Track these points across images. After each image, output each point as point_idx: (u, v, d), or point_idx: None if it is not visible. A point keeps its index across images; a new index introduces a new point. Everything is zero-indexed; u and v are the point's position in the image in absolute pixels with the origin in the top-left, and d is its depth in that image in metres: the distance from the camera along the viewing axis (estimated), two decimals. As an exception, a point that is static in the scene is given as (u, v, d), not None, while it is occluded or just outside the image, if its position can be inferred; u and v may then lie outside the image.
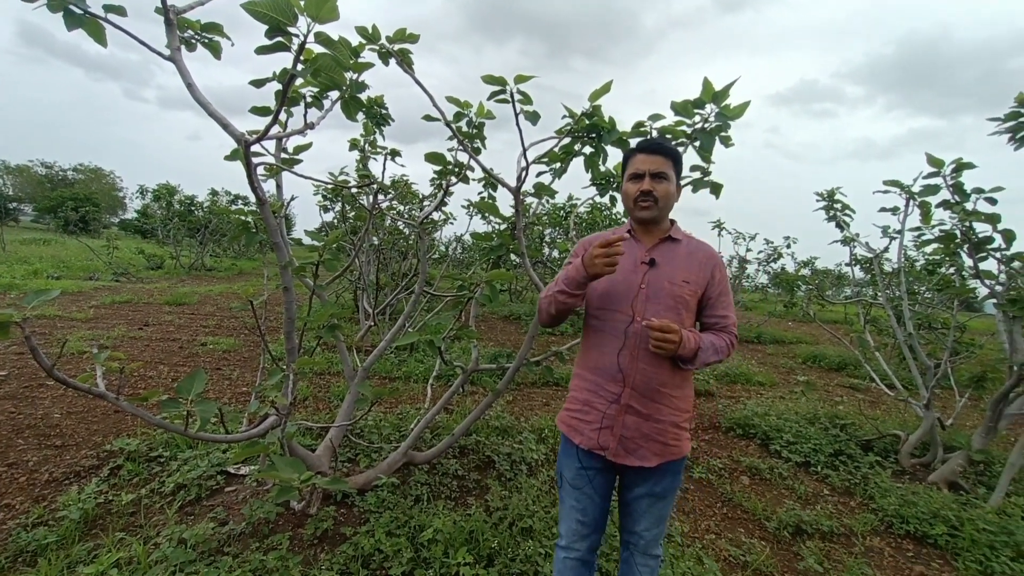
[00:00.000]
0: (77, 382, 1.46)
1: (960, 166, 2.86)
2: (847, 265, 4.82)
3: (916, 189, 3.21)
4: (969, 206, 2.87)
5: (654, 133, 2.04)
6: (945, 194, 2.96)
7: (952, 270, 4.15)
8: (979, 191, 2.82)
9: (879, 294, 4.28)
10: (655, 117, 2.02)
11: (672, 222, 1.50)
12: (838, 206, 4.09)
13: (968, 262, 2.99)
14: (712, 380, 5.32)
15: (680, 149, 2.05)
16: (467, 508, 2.36)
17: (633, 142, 2.15)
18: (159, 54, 1.59)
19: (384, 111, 2.83)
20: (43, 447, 2.69)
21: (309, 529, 2.07)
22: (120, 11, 1.54)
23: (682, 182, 2.08)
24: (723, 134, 1.99)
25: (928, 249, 3.90)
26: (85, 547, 1.90)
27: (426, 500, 2.39)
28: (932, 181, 3.00)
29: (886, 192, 3.50)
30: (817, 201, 4.15)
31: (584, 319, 1.51)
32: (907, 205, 3.48)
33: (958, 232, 2.96)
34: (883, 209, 3.62)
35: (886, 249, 4.05)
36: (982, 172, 3.05)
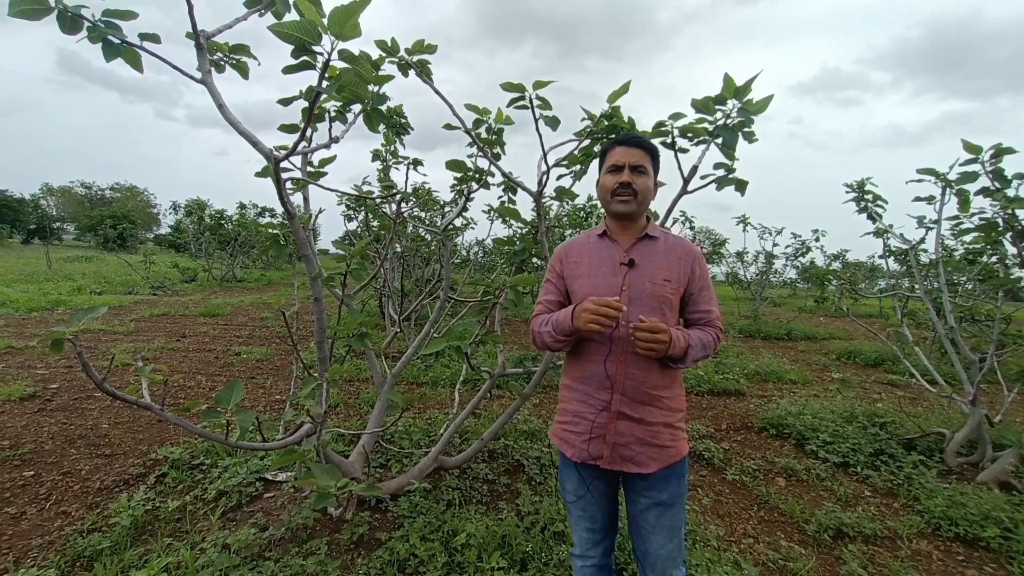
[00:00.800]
0: (125, 395, 1.53)
1: (999, 151, 2.75)
2: (880, 258, 4.66)
3: (952, 177, 3.09)
4: (1011, 192, 2.74)
5: (676, 132, 2.02)
6: (984, 181, 2.84)
7: (995, 259, 3.97)
8: (1021, 176, 2.70)
9: (916, 286, 4.13)
10: (676, 116, 2.00)
11: (648, 219, 1.45)
12: (869, 197, 3.95)
13: (1012, 250, 2.86)
14: (743, 379, 5.21)
15: (703, 147, 2.04)
16: (499, 512, 2.37)
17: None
18: (191, 77, 1.66)
19: (403, 120, 2.88)
20: (94, 456, 2.82)
21: (346, 534, 2.12)
22: (154, 39, 1.61)
23: (706, 180, 2.07)
24: (746, 130, 1.97)
25: (967, 238, 3.74)
26: (136, 552, 1.98)
27: (458, 504, 2.41)
28: (969, 168, 2.88)
29: (920, 181, 3.37)
30: (847, 192, 4.03)
31: None
32: (943, 193, 3.35)
33: (1000, 220, 2.83)
34: (918, 199, 3.49)
35: (922, 240, 3.90)
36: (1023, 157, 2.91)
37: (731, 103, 1.91)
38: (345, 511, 2.26)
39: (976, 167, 2.85)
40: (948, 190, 3.29)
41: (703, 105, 1.94)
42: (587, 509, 1.43)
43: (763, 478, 3.01)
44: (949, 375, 4.46)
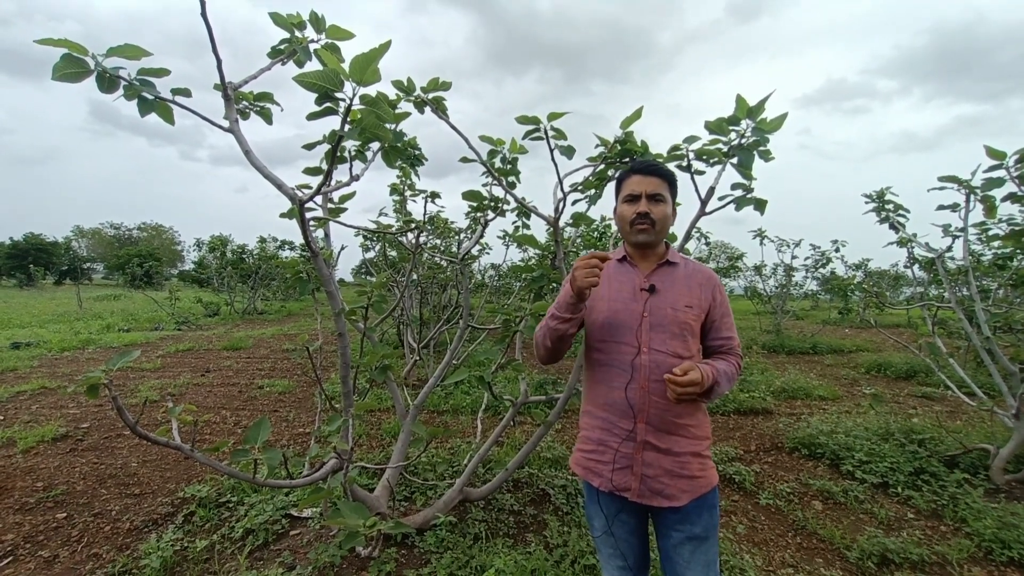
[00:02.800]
0: (157, 436, 1.56)
1: (1024, 156, 2.69)
2: (905, 266, 4.55)
3: (976, 183, 3.03)
4: (1040, 197, 2.68)
5: (691, 156, 2.03)
6: (1011, 186, 2.78)
7: (1026, 264, 3.85)
8: (1050, 181, 2.63)
9: (945, 293, 4.01)
10: (690, 139, 2.01)
11: (667, 244, 1.44)
12: (890, 207, 3.90)
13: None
14: (769, 397, 5.07)
15: (719, 167, 2.05)
16: (526, 545, 2.32)
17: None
18: (219, 127, 1.73)
19: (418, 151, 2.94)
20: (123, 496, 2.85)
21: (372, 572, 2.09)
22: (186, 93, 1.68)
23: (724, 201, 2.06)
24: (762, 149, 1.97)
25: (996, 243, 3.65)
26: (166, 595, 1.98)
27: (485, 538, 2.36)
28: (994, 174, 2.83)
29: (942, 188, 3.31)
30: (866, 203, 3.97)
31: (585, 352, 1.45)
32: (968, 200, 3.28)
33: (1030, 226, 2.76)
34: (941, 207, 3.43)
35: (949, 248, 3.80)
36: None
37: (744, 123, 1.92)
38: (373, 549, 2.23)
39: (1001, 173, 2.79)
40: (972, 197, 3.22)
41: (716, 127, 1.95)
42: (617, 546, 1.38)
43: (798, 502, 2.90)
44: (987, 386, 4.28)
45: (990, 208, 3.01)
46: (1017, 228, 2.84)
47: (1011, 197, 2.80)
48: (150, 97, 1.59)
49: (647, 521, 1.43)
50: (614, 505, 1.36)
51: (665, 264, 1.39)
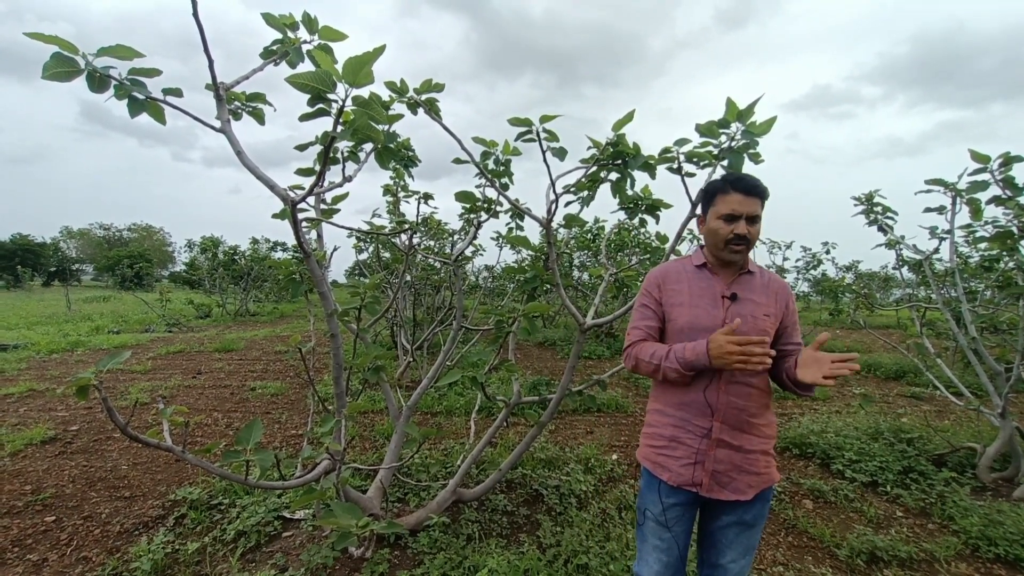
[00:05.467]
0: (148, 438, 1.55)
1: (1008, 160, 2.74)
2: (894, 268, 4.60)
3: (962, 186, 3.08)
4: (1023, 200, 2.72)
5: (681, 158, 2.05)
6: (995, 190, 2.83)
7: (1012, 265, 3.91)
8: (1034, 184, 2.68)
9: (933, 294, 4.07)
10: (681, 142, 2.03)
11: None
12: (879, 209, 3.95)
13: (1030, 258, 2.83)
14: (761, 397, 5.11)
15: (709, 170, 2.07)
16: (519, 546, 2.32)
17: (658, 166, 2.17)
18: (211, 127, 1.73)
19: (411, 153, 2.95)
20: (113, 499, 2.83)
21: (365, 573, 2.09)
22: (177, 93, 1.68)
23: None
24: (751, 152, 1.99)
25: (983, 245, 3.70)
26: (156, 598, 1.96)
27: (478, 538, 2.37)
28: (979, 177, 2.88)
29: (928, 191, 3.36)
30: (855, 205, 4.02)
31: None
32: (954, 203, 3.33)
33: (1014, 228, 2.80)
34: (928, 209, 3.47)
35: (936, 250, 3.86)
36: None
37: (734, 126, 1.94)
38: (366, 550, 2.23)
39: (986, 176, 2.84)
40: (959, 199, 3.27)
41: (707, 130, 1.97)
42: (665, 540, 1.42)
43: (789, 501, 2.93)
44: (974, 386, 4.34)
45: (976, 211, 3.06)
46: (1002, 230, 2.89)
47: (996, 200, 2.85)
48: (141, 97, 1.59)
49: (696, 520, 1.48)
50: (677, 497, 1.40)
51: (745, 273, 1.45)
